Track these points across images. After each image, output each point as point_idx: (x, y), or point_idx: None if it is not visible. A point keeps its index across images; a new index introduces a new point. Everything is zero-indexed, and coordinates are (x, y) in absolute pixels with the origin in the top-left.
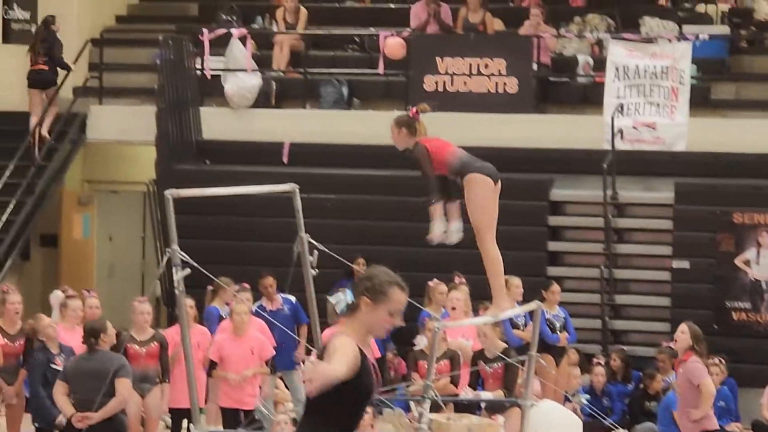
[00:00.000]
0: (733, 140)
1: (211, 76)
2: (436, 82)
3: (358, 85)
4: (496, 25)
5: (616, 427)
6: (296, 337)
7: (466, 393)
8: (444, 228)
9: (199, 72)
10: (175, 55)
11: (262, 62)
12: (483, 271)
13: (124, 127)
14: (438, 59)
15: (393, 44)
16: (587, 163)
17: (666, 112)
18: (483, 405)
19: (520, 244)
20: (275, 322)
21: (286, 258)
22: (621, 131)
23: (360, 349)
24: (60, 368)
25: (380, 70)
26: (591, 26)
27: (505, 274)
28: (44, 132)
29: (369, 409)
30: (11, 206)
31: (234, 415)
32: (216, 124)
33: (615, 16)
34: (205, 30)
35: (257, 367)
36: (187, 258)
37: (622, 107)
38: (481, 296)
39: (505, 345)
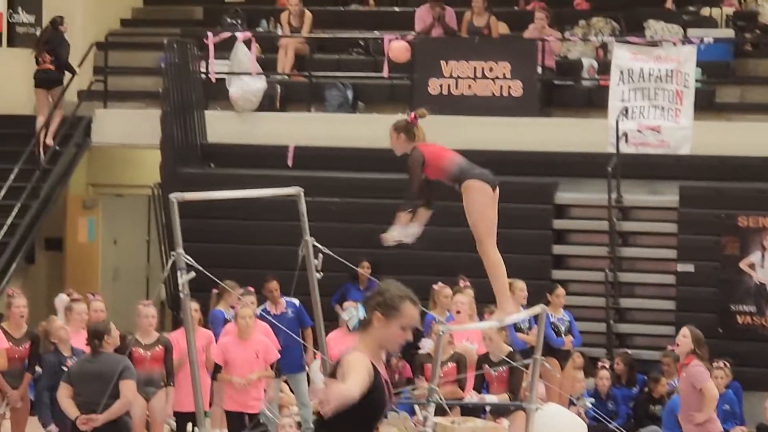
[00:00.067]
0: (738, 143)
1: (216, 79)
2: (441, 86)
3: (363, 88)
4: (501, 28)
5: (621, 431)
6: (301, 341)
7: (471, 396)
8: (402, 236)
9: (203, 75)
10: (180, 59)
11: (267, 66)
12: (487, 274)
13: (129, 131)
14: (443, 63)
15: (398, 48)
16: (592, 167)
17: (671, 116)
18: (488, 408)
19: (525, 248)
20: (279, 325)
21: (290, 261)
22: (626, 134)
23: (373, 365)
24: None
25: (385, 73)
26: (596, 29)
27: (510, 277)
28: (49, 141)
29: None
30: (16, 210)
31: (239, 418)
32: (221, 127)
33: (620, 20)
34: (209, 33)
35: (262, 371)
36: (191, 261)
37: (626, 110)
38: (486, 300)
39: (510, 348)
